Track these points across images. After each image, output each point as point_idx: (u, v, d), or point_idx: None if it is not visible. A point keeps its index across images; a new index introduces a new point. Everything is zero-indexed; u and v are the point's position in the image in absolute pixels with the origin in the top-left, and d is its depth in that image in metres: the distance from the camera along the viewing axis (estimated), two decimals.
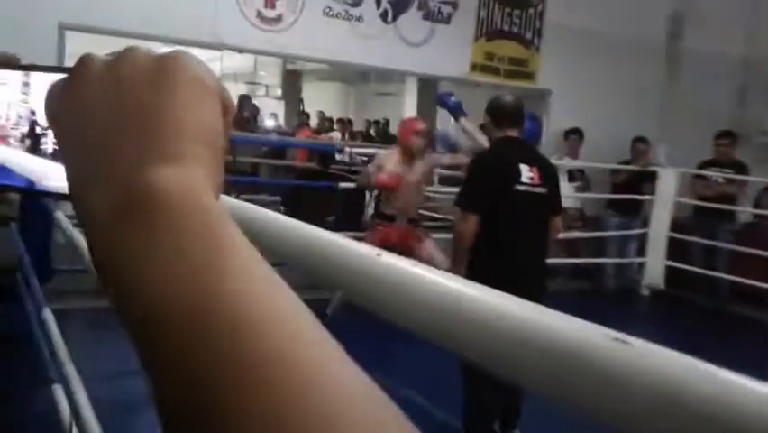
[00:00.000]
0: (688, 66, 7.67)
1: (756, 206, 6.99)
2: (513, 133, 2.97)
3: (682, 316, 6.25)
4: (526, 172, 2.85)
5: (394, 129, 11.03)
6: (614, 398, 0.43)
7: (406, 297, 0.60)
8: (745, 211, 6.83)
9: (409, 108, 11.10)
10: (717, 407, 0.39)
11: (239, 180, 7.38)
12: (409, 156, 4.55)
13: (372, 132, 11.05)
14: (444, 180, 6.97)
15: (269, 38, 5.58)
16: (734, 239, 6.45)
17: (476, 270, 2.78)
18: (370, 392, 0.26)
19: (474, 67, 6.81)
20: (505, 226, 2.83)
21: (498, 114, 2.99)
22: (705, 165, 6.57)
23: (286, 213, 4.86)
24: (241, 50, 6.09)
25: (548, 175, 2.96)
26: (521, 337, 0.49)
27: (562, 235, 3.48)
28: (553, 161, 3.99)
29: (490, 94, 8.39)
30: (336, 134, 10.82)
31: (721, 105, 7.97)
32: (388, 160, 4.60)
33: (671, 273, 6.65)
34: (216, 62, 8.39)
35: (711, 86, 7.85)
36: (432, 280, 0.59)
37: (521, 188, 2.84)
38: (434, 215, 6.19)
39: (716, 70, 7.97)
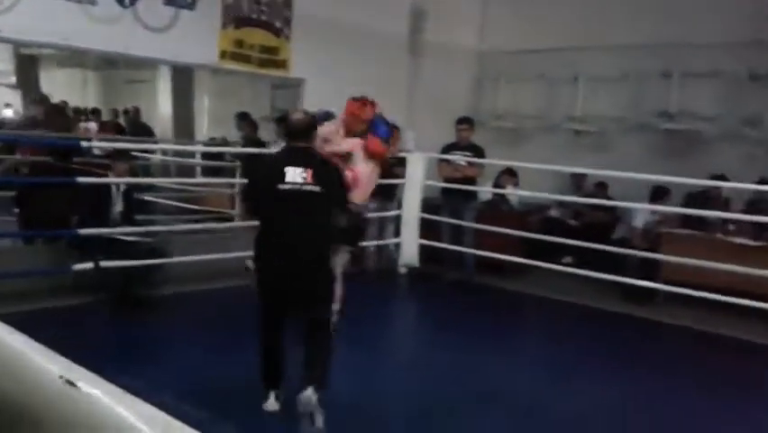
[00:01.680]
0: (429, 57, 8.20)
1: (495, 185, 7.70)
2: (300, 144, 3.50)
3: (436, 290, 6.70)
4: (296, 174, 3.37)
5: (146, 117, 10.45)
6: None
7: None
8: (484, 190, 7.49)
9: (163, 96, 10.56)
10: None
11: None
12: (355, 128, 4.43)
13: (122, 121, 10.33)
14: None
15: None
16: (477, 216, 7.04)
17: None
18: None
19: (224, 54, 6.63)
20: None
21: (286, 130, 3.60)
22: (447, 149, 7.06)
23: (21, 213, 4.31)
24: None
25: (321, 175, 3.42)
26: None
27: None
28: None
29: (248, 80, 8.36)
30: (93, 125, 10.00)
31: (460, 94, 8.67)
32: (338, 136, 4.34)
33: (424, 251, 7.08)
34: None
35: (450, 76, 8.50)
36: None
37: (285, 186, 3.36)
38: None
39: (454, 62, 8.63)
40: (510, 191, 7.56)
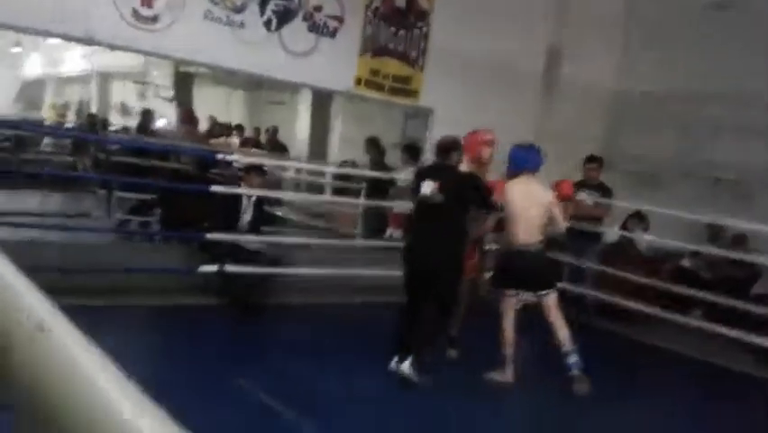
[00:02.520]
0: (563, 95, 8.06)
1: (623, 227, 7.39)
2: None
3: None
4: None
5: (284, 137, 10.99)
6: None
7: None
8: (611, 232, 7.21)
9: (302, 117, 11.08)
10: None
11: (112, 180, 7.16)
12: (479, 166, 4.73)
13: (263, 139, 10.92)
14: None
15: (143, 36, 5.42)
16: (602, 259, 6.80)
17: None
18: None
19: (360, 81, 6.88)
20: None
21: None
22: (576, 185, 6.89)
23: (162, 213, 4.71)
24: (112, 48, 5.87)
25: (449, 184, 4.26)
26: None
27: None
28: None
29: (382, 108, 8.61)
30: (234, 140, 10.66)
31: (593, 133, 8.43)
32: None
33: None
34: (91, 57, 8.08)
35: (583, 115, 8.30)
36: None
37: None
38: None
39: (588, 101, 8.43)
40: (638, 235, 7.23)
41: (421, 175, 4.44)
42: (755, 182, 7.52)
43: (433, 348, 4.39)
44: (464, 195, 4.31)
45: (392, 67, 7.06)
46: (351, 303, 6.05)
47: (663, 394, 5.35)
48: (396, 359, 4.30)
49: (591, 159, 6.93)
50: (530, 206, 4.60)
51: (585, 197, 6.73)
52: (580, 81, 8.12)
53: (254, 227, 5.78)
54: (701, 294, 6.06)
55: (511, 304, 4.65)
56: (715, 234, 7.45)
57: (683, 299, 6.30)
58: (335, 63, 6.62)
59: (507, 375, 4.54)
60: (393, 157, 8.29)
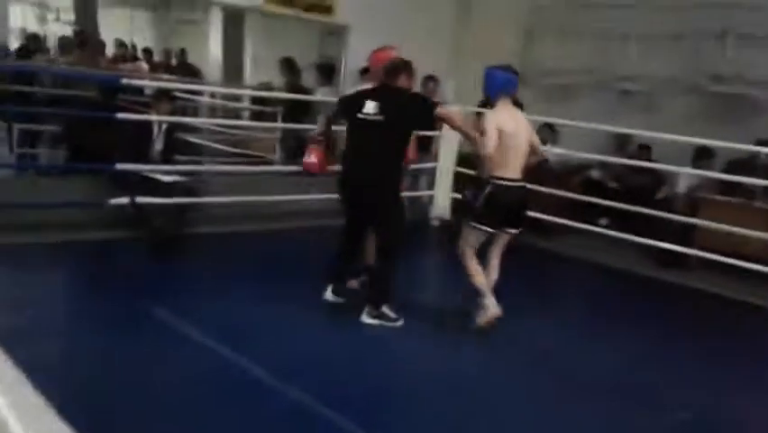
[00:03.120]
0: (477, 8, 8.02)
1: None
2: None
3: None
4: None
5: (196, 60, 10.59)
6: None
7: None
8: None
9: (215, 39, 10.65)
10: None
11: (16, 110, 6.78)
12: None
13: (174, 62, 10.48)
14: None
15: None
16: None
17: None
18: None
19: None
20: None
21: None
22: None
23: (67, 147, 4.48)
24: None
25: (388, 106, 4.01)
26: None
27: None
28: None
29: (297, 27, 8.35)
30: (143, 64, 10.16)
31: (508, 46, 8.47)
32: None
33: (456, 205, 7.08)
34: None
35: (498, 26, 8.31)
36: None
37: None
38: None
39: (504, 13, 8.43)
40: (548, 148, 7.42)
41: (360, 96, 4.13)
42: (660, 93, 7.78)
43: (391, 300, 4.18)
44: (408, 116, 4.07)
45: None
46: (270, 230, 6.05)
47: (572, 302, 5.69)
48: (330, 288, 4.30)
49: None
50: (519, 134, 4.13)
51: None
52: None
53: (166, 156, 5.63)
54: (608, 203, 6.34)
55: (478, 240, 4.20)
56: (621, 144, 7.75)
57: (592, 209, 6.60)
58: None
59: (492, 310, 4.12)
60: (310, 78, 8.14)
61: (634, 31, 7.82)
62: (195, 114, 9.43)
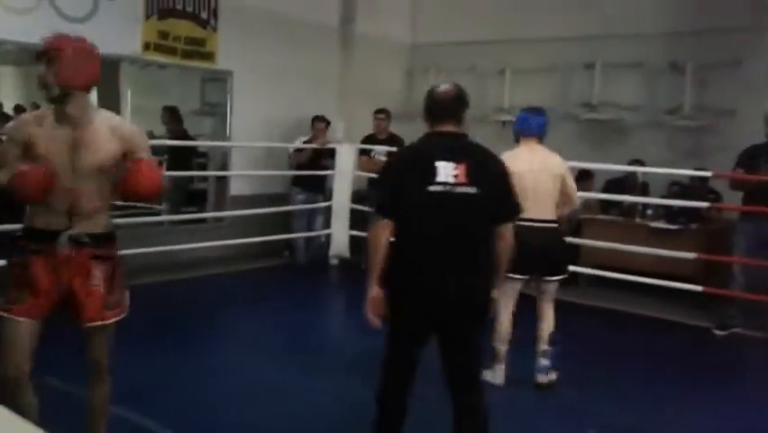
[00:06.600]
0: (360, 48, 8.19)
1: None
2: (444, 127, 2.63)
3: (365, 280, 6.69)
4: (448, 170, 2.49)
5: None
6: None
7: None
8: None
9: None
10: None
11: None
12: None
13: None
14: None
15: None
16: None
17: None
18: None
19: (148, 46, 6.49)
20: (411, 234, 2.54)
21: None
22: (366, 140, 7.12)
23: None
24: None
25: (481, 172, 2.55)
26: None
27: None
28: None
29: (177, 75, 8.18)
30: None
31: (392, 86, 8.70)
32: None
33: (354, 242, 7.08)
34: None
35: (382, 67, 8.52)
36: None
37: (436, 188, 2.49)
38: None
39: (385, 53, 8.66)
40: None
41: (420, 153, 2.64)
42: None
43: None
44: (499, 187, 2.62)
45: (183, 28, 6.73)
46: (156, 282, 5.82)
47: None
48: None
49: (379, 111, 7.14)
50: (537, 173, 3.82)
51: (379, 150, 6.91)
52: (375, 35, 8.28)
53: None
54: None
55: (514, 290, 3.84)
56: None
57: None
58: (118, 27, 6.17)
59: (497, 376, 3.90)
60: (192, 125, 7.98)
61: (509, 65, 8.24)
62: None
